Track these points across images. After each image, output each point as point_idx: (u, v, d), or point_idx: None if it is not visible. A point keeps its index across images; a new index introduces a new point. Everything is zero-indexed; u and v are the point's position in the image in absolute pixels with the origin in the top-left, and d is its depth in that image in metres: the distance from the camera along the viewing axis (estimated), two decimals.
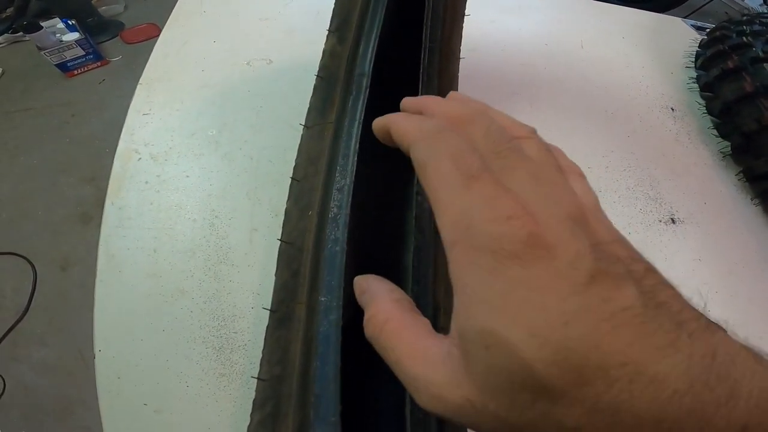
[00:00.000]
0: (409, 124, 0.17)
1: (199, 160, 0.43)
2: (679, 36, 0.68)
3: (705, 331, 0.12)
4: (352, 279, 0.24)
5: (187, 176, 0.42)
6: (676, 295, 0.12)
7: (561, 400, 0.11)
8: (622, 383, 0.11)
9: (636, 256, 0.13)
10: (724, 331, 0.12)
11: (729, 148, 0.55)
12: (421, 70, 0.32)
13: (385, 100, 0.34)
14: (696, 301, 0.13)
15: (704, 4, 2.12)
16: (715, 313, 0.42)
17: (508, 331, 0.11)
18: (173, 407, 0.32)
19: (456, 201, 0.13)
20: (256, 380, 0.33)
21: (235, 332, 0.35)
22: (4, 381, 1.05)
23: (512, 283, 0.11)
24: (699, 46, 0.64)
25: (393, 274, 0.32)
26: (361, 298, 0.18)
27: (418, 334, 0.15)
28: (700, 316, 0.12)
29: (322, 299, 0.23)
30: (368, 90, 0.31)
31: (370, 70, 0.31)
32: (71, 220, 1.34)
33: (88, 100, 1.66)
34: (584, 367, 0.11)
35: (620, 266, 0.12)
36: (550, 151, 0.16)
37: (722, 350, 0.11)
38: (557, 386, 0.11)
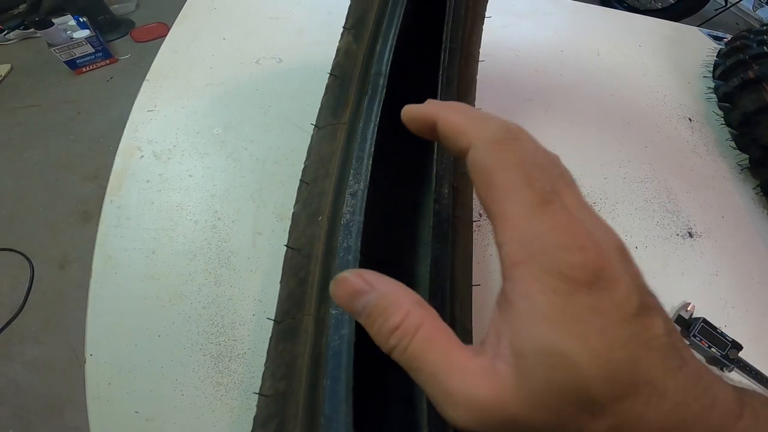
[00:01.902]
0: (468, 120, 0.16)
1: (203, 160, 0.41)
2: (696, 45, 0.67)
3: (693, 357, 0.14)
4: None
5: (190, 176, 0.40)
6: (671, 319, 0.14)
7: (601, 413, 0.12)
8: (645, 397, 0.12)
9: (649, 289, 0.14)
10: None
11: (747, 161, 0.53)
12: (440, 71, 0.31)
13: (401, 101, 0.33)
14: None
15: (715, 15, 2.13)
16: (732, 329, 0.40)
17: (574, 351, 0.12)
18: (166, 416, 0.31)
19: (528, 221, 0.13)
20: (256, 395, 0.31)
21: (235, 340, 0.33)
22: None
23: (581, 309, 0.12)
24: (717, 56, 0.63)
25: (406, 283, 0.30)
26: (359, 300, 0.15)
27: (454, 344, 0.14)
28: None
29: (333, 312, 0.21)
30: (385, 90, 0.29)
31: (388, 69, 0.30)
32: (72, 218, 1.32)
33: (95, 97, 1.65)
34: (628, 384, 0.12)
35: (652, 299, 0.13)
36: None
37: (703, 368, 0.14)
38: (604, 401, 0.12)
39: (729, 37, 0.69)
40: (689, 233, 0.46)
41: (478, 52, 0.35)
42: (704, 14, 2.11)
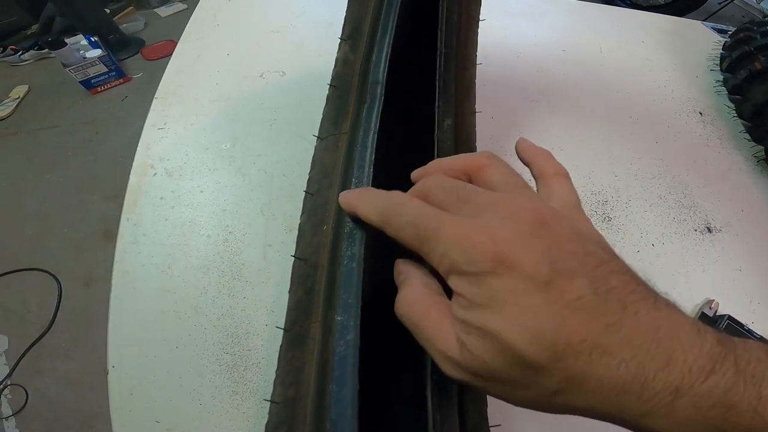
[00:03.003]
0: (364, 206, 0.22)
1: (213, 175, 0.42)
2: (700, 39, 0.65)
3: (652, 309, 0.14)
4: (369, 296, 0.23)
5: (201, 191, 0.41)
6: (629, 280, 0.15)
7: (543, 371, 0.14)
8: (585, 355, 0.14)
9: (592, 250, 0.16)
10: (675, 307, 0.15)
11: (763, 152, 0.52)
12: (437, 77, 0.31)
13: (399, 108, 0.33)
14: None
15: (720, 8, 2.07)
16: (760, 325, 0.38)
17: (494, 324, 0.15)
18: (186, 425, 0.31)
19: (438, 244, 0.17)
20: (268, 401, 0.32)
21: (249, 350, 0.34)
22: (27, 393, 1.07)
23: (493, 291, 0.15)
24: (723, 49, 0.61)
25: None
26: (398, 279, 0.21)
27: (444, 315, 0.17)
28: (650, 297, 0.15)
29: (339, 318, 0.22)
30: (382, 98, 0.30)
31: (384, 78, 0.30)
32: (95, 237, 1.36)
33: (111, 117, 1.70)
34: (555, 345, 0.14)
35: (574, 261, 0.15)
36: (509, 170, 0.19)
37: (666, 324, 0.14)
38: (538, 361, 0.14)
39: (733, 29, 0.67)
40: (708, 228, 0.45)
41: (475, 56, 0.36)
42: (708, 8, 2.06)
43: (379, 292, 0.24)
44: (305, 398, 0.21)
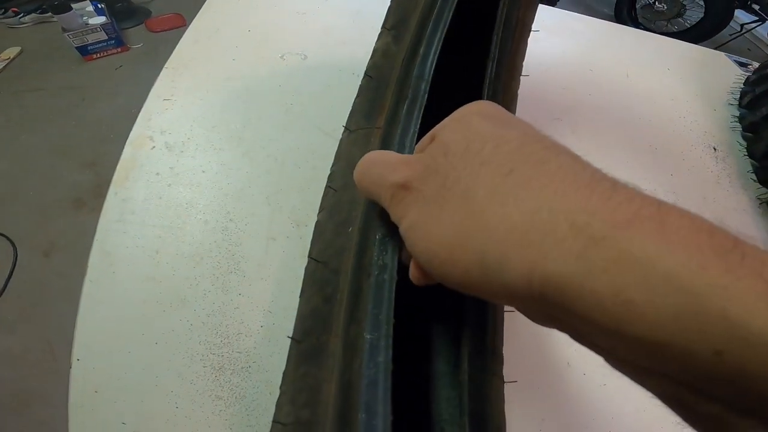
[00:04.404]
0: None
1: (219, 155, 0.39)
2: (721, 71, 0.65)
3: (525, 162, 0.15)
4: (402, 313, 0.20)
5: (204, 171, 0.38)
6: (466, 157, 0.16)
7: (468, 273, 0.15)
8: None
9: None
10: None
11: (767, 195, 0.51)
12: (486, 83, 0.29)
13: (440, 109, 0.31)
14: None
15: (730, 40, 2.15)
16: None
17: (407, 231, 0.17)
18: (157, 429, 0.28)
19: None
20: (258, 413, 0.29)
21: (239, 352, 0.30)
22: None
23: (404, 207, 0.17)
24: (744, 83, 0.60)
25: (444, 304, 0.28)
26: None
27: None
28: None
29: (368, 336, 0.19)
30: (426, 96, 0.27)
31: (431, 74, 0.28)
32: (63, 205, 1.28)
33: (101, 85, 1.63)
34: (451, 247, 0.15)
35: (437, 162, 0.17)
36: (431, 135, 0.19)
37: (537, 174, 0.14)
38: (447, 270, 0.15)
39: (755, 64, 0.66)
40: None
41: (522, 66, 0.34)
42: (718, 39, 2.13)
43: (406, 308, 0.21)
44: (324, 424, 0.18)
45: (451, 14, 0.29)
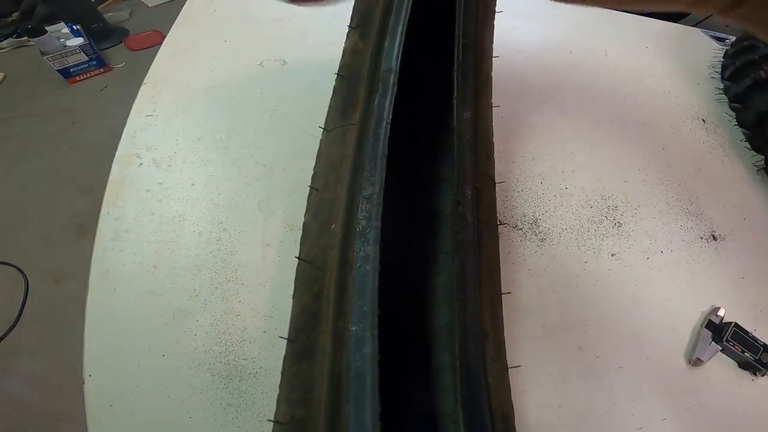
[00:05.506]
0: None
1: (207, 167, 0.39)
2: (699, 46, 0.66)
3: None
4: (384, 303, 0.20)
5: (193, 184, 0.38)
6: None
7: None
8: None
9: None
10: None
11: (762, 161, 0.52)
12: (455, 68, 0.29)
13: (412, 99, 0.31)
14: None
15: (707, 17, 2.13)
16: (762, 332, 0.38)
17: None
18: None
19: None
20: (267, 417, 0.29)
21: (245, 359, 0.31)
22: None
23: None
24: (724, 57, 0.62)
25: (423, 295, 0.28)
26: None
27: None
28: None
29: (353, 329, 0.19)
30: (396, 87, 0.28)
31: (398, 66, 0.28)
32: (67, 232, 1.29)
33: (89, 107, 1.63)
34: None
35: None
36: None
37: None
38: None
39: (730, 38, 0.68)
40: (713, 236, 0.44)
41: (492, 48, 0.34)
42: (695, 17, 2.11)
43: (395, 298, 0.22)
44: (317, 420, 0.19)
45: (410, 3, 0.29)
